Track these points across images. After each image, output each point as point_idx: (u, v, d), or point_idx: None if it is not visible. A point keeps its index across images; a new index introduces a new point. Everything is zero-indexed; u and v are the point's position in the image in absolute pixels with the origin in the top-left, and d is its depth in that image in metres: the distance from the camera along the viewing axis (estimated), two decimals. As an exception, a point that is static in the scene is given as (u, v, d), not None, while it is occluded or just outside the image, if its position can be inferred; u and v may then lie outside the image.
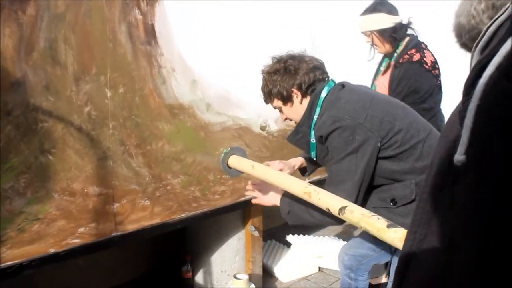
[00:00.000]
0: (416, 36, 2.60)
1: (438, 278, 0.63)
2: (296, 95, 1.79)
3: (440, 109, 2.59)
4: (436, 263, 0.63)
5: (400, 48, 2.57)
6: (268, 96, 1.87)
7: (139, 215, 2.03)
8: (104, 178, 1.87)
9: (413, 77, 2.48)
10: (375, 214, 1.11)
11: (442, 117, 2.60)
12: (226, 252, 2.72)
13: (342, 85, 1.77)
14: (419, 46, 2.55)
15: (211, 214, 2.34)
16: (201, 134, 2.25)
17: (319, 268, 3.18)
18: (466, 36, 0.60)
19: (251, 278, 2.58)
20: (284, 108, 1.87)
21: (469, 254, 0.59)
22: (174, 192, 2.16)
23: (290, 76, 1.77)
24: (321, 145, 1.74)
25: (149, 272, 2.94)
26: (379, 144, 1.58)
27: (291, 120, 1.92)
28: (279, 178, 1.65)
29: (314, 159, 1.87)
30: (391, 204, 1.64)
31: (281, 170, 2.04)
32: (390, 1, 2.57)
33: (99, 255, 2.29)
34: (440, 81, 2.59)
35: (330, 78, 1.81)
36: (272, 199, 1.87)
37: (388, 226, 1.04)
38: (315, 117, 1.75)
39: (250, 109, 2.50)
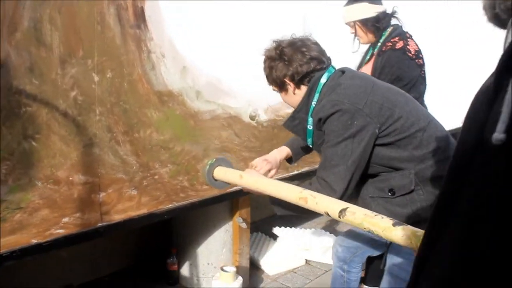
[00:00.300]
0: (401, 26, 2.55)
1: (459, 270, 0.59)
2: (289, 85, 1.74)
3: (423, 101, 2.54)
4: (458, 253, 0.60)
5: (383, 37, 2.52)
6: (267, 80, 1.82)
7: (126, 205, 1.96)
8: (90, 166, 1.80)
9: (396, 64, 2.41)
10: (377, 213, 1.07)
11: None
12: (213, 244, 2.67)
13: (342, 71, 1.72)
14: (403, 35, 2.49)
15: (199, 205, 2.28)
16: (190, 122, 2.19)
17: (306, 260, 3.16)
18: (501, 6, 0.56)
19: (238, 271, 2.54)
20: (280, 94, 1.83)
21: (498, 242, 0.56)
22: (162, 182, 2.09)
23: (283, 66, 1.71)
24: (318, 131, 1.69)
25: (133, 264, 2.88)
26: (377, 131, 1.54)
27: (288, 104, 1.87)
28: (271, 186, 1.57)
29: (310, 146, 1.83)
30: (389, 194, 1.60)
31: (269, 170, 1.99)
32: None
33: (83, 246, 2.22)
34: (424, 71, 2.54)
35: (330, 65, 1.75)
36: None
37: (394, 225, 1.00)
38: (313, 103, 1.70)
39: (240, 97, 2.44)
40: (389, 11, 2.54)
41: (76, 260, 2.55)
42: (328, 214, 1.22)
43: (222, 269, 2.46)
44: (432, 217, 0.63)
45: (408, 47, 2.46)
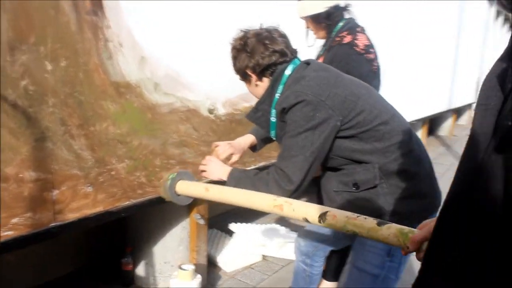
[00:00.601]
0: (354, 20, 2.52)
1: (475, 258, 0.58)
2: (251, 76, 1.71)
3: None
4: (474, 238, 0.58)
5: (334, 32, 2.49)
6: (234, 69, 1.78)
7: (81, 203, 1.84)
8: (42, 161, 1.67)
9: (343, 59, 2.36)
10: (359, 214, 1.05)
11: None
12: (169, 242, 2.59)
13: (307, 63, 1.70)
14: (352, 29, 2.46)
15: (156, 202, 2.19)
16: (148, 115, 2.09)
17: (263, 256, 3.14)
18: None
19: (196, 269, 2.47)
20: (245, 84, 1.79)
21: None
22: (119, 178, 1.99)
23: (245, 57, 1.69)
24: (281, 122, 1.67)
25: (85, 266, 2.74)
26: (339, 123, 1.54)
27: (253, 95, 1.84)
28: (242, 197, 1.48)
29: (274, 138, 1.80)
30: (354, 188, 1.60)
31: (231, 155, 1.96)
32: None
33: (31, 248, 2.07)
34: (376, 66, 2.52)
35: (295, 57, 1.73)
36: (221, 173, 1.77)
37: (379, 224, 0.98)
38: (277, 95, 1.68)
39: (198, 91, 2.38)
40: (343, 5, 2.52)
41: (24, 263, 2.38)
42: (307, 220, 1.17)
43: (180, 268, 2.38)
44: (446, 206, 0.62)
45: (356, 41, 2.42)
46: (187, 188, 1.60)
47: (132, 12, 1.92)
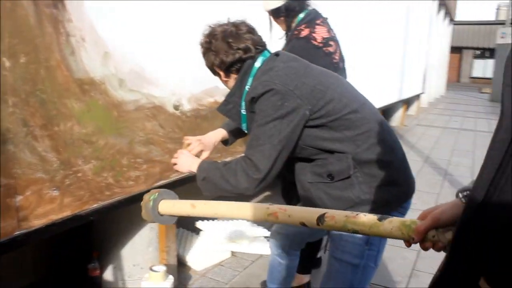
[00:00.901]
0: (315, 11, 2.52)
1: None
2: (218, 72, 1.70)
3: None
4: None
5: (294, 25, 2.50)
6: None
7: (47, 208, 1.74)
8: (3, 166, 1.56)
9: (300, 53, 2.32)
10: (358, 212, 1.04)
11: None
12: (138, 244, 2.51)
13: (276, 54, 1.70)
14: (311, 22, 2.46)
15: (125, 203, 2.11)
16: (113, 113, 2.01)
17: (232, 252, 3.11)
18: None
19: (166, 269, 2.40)
20: (219, 79, 1.77)
21: None
22: (86, 180, 1.90)
23: (210, 55, 1.68)
24: (251, 114, 1.66)
25: (49, 274, 2.60)
26: (308, 113, 1.54)
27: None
28: (233, 210, 1.40)
29: (245, 131, 1.78)
30: (328, 179, 1.60)
31: (201, 151, 1.92)
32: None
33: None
34: (336, 59, 2.53)
35: (264, 49, 1.72)
36: (191, 166, 1.73)
37: (380, 219, 0.97)
38: (247, 87, 1.67)
39: (163, 86, 2.31)
40: None
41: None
42: (304, 225, 1.14)
43: (151, 269, 2.31)
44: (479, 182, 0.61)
45: (313, 34, 2.43)
46: (171, 207, 1.53)
47: (93, 5, 1.83)
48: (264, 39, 1.77)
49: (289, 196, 2.56)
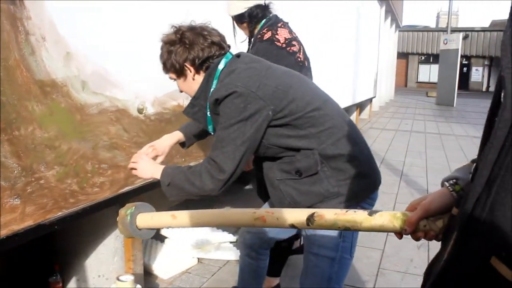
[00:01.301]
0: (275, 16, 2.58)
1: None
2: (189, 70, 1.68)
3: None
4: None
5: (257, 30, 2.55)
6: (164, 67, 1.72)
7: (7, 218, 1.63)
8: (-41, 173, 1.45)
9: (264, 55, 2.31)
10: (348, 209, 1.03)
11: None
12: (103, 254, 2.40)
13: (238, 55, 1.71)
14: (273, 25, 2.52)
15: (90, 210, 2.02)
16: (76, 117, 1.91)
17: (198, 259, 3.05)
18: None
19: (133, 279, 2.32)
20: (178, 81, 1.75)
21: None
22: (49, 187, 1.80)
23: (184, 49, 1.65)
24: (215, 115, 1.66)
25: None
26: (271, 113, 1.56)
27: (186, 93, 1.78)
28: (218, 218, 1.36)
29: (212, 133, 1.76)
30: (297, 176, 1.63)
31: (156, 157, 1.88)
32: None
33: None
34: (300, 58, 2.57)
35: (228, 51, 1.71)
36: (154, 172, 1.71)
37: (370, 214, 0.98)
38: (212, 89, 1.66)
39: (127, 89, 2.23)
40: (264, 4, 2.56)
41: None
42: (294, 226, 1.13)
43: (118, 279, 2.22)
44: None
45: (276, 36, 2.48)
46: (149, 220, 1.47)
47: (53, 3, 1.74)
48: (228, 42, 1.77)
49: (265, 194, 2.55)
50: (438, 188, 0.93)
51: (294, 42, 2.55)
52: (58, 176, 1.84)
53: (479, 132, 4.77)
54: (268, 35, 2.47)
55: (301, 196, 1.62)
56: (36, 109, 1.70)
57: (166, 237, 3.10)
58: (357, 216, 0.99)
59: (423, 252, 3.25)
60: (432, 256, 0.86)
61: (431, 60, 31.38)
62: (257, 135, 1.56)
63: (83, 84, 1.93)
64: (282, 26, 2.56)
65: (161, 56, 1.69)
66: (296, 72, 1.81)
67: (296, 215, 1.12)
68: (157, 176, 1.69)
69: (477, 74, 31.54)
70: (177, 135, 2.01)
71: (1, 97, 1.55)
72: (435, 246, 0.87)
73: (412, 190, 5.05)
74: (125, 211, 1.49)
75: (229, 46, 1.74)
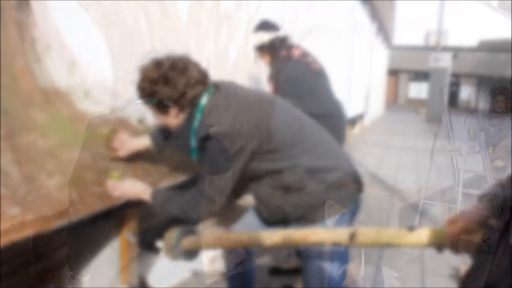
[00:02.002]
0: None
1: None
2: (172, 109, 1.69)
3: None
4: None
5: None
6: (143, 101, 1.72)
7: (7, 227, 1.60)
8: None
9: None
10: (387, 226, 1.06)
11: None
12: (98, 266, 2.37)
13: (217, 87, 1.73)
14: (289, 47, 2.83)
15: (89, 221, 1.99)
16: (78, 126, 1.90)
17: (194, 271, 3.02)
18: None
19: (129, 291, 2.29)
20: (159, 117, 1.76)
21: None
22: (49, 196, 1.77)
23: (168, 90, 1.64)
24: (201, 150, 1.71)
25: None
26: (255, 146, 1.64)
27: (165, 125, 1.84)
28: (260, 238, 1.49)
29: (196, 160, 1.80)
30: (284, 190, 1.71)
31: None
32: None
33: None
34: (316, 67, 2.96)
35: (209, 85, 1.74)
36: (138, 192, 1.84)
37: (410, 230, 1.01)
38: (196, 123, 1.68)
39: (128, 99, 2.22)
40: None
41: None
42: (335, 244, 1.19)
43: (114, 292, 2.19)
44: None
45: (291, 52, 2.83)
46: (196, 243, 1.61)
47: (59, 9, 1.74)
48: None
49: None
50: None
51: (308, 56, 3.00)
52: (59, 185, 1.81)
53: (471, 148, 4.81)
54: (285, 53, 2.78)
55: (291, 208, 1.71)
56: (39, 117, 1.69)
57: (161, 249, 3.07)
58: (398, 232, 1.03)
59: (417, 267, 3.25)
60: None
61: (420, 78, 31.78)
62: (244, 168, 1.66)
63: (86, 93, 1.92)
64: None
65: (142, 90, 1.68)
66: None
67: (339, 233, 1.18)
68: (144, 197, 1.82)
69: (466, 92, 31.97)
70: (144, 142, 2.04)
71: (4, 104, 1.54)
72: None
73: (403, 205, 5.07)
74: (170, 235, 1.59)
75: (209, 79, 1.75)
